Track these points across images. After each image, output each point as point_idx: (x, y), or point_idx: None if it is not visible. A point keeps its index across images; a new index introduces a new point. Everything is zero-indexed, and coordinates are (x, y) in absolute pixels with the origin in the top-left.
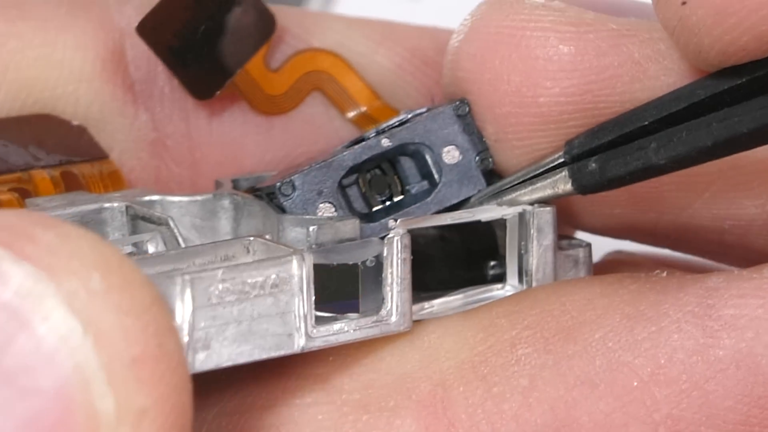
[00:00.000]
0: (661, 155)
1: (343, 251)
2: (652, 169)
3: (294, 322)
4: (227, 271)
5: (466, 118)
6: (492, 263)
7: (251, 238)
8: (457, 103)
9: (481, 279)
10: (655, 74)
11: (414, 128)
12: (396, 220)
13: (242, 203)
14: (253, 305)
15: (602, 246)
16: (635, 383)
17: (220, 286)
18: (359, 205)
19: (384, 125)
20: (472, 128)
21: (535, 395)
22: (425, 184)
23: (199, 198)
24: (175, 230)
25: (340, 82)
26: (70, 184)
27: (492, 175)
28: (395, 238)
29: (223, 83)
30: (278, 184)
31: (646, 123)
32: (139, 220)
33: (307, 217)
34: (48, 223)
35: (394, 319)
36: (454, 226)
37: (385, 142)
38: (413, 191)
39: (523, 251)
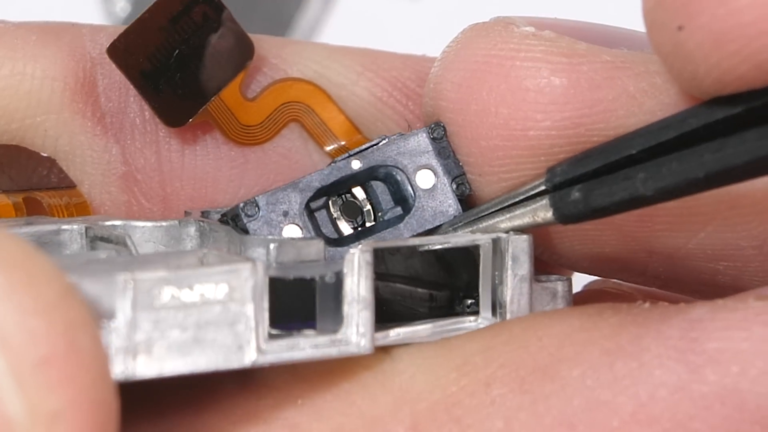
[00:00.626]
0: (650, 186)
1: (302, 269)
2: (639, 199)
3: (244, 334)
4: (174, 274)
5: (441, 141)
6: (470, 302)
7: (205, 251)
8: (432, 125)
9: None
10: (651, 109)
11: (386, 150)
12: None
13: (208, 230)
14: (201, 312)
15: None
16: (615, 423)
17: (165, 289)
18: (328, 230)
19: (356, 149)
20: (448, 152)
21: None
22: (398, 209)
23: (164, 224)
24: (132, 248)
25: (319, 114)
26: (32, 210)
27: (468, 202)
28: (356, 254)
29: (196, 110)
30: (241, 204)
31: (634, 152)
32: (98, 241)
33: (270, 237)
34: None
35: (354, 339)
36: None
37: (356, 164)
38: (386, 217)
39: (497, 282)
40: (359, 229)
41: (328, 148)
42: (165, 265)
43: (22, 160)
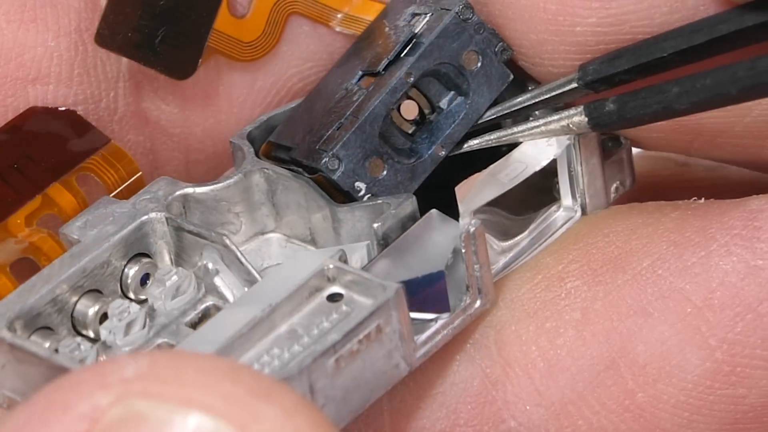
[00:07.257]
0: (683, 100)
1: (417, 251)
2: (671, 111)
3: (398, 354)
4: (337, 346)
5: (472, 19)
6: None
7: (330, 266)
8: (460, 7)
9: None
10: (694, 4)
11: (429, 53)
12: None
13: (275, 177)
14: (363, 359)
15: None
16: (689, 309)
17: (330, 361)
18: (399, 140)
19: (393, 53)
20: (482, 26)
21: (589, 328)
22: (452, 94)
23: (231, 182)
24: (233, 247)
25: None
26: (84, 184)
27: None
28: (471, 230)
29: (200, 54)
30: (324, 160)
31: (665, 54)
32: (183, 232)
33: (361, 204)
34: (269, 395)
35: (478, 303)
36: None
37: (409, 79)
38: (442, 105)
39: (573, 173)
40: (423, 129)
41: (335, 25)
42: (300, 299)
43: (41, 127)
